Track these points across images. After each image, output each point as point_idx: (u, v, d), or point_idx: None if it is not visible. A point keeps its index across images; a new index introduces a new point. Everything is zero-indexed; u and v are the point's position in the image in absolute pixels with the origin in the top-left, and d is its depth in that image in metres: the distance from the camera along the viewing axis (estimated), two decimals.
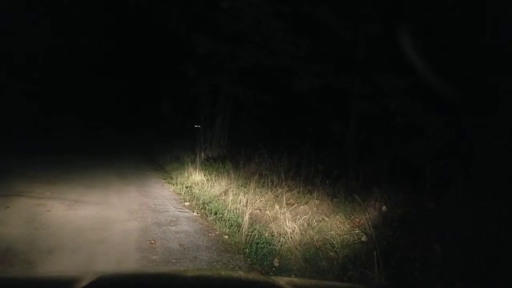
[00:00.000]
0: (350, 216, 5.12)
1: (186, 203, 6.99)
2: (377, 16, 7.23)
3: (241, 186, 7.21)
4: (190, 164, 9.94)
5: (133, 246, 4.51)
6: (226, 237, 5.22)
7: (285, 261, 4.32)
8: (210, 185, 7.95)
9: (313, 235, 4.73)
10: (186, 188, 8.32)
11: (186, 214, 6.30)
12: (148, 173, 10.48)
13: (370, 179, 6.07)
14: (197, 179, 8.65)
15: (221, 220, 5.87)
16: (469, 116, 5.16)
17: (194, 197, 7.36)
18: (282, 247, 4.61)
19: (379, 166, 6.71)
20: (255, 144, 8.40)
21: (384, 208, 4.91)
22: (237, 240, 5.03)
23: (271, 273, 4.10)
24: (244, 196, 6.45)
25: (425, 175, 5.13)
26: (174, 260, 4.24)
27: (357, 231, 4.66)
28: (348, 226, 4.90)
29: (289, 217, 5.13)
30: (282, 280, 1.93)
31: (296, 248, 4.47)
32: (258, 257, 4.49)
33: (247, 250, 4.70)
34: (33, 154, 10.67)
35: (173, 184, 8.87)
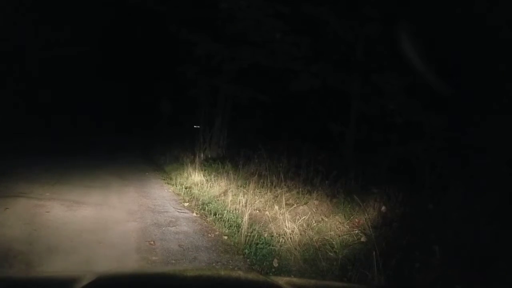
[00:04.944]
0: (350, 217, 5.12)
1: (186, 204, 6.98)
2: (376, 16, 7.23)
3: (240, 186, 7.20)
4: (189, 164, 9.93)
5: (132, 247, 4.50)
6: (226, 237, 5.21)
7: (285, 262, 4.32)
8: (210, 186, 7.94)
9: (313, 236, 4.73)
10: (186, 188, 8.31)
11: (186, 214, 6.29)
12: (147, 173, 10.46)
13: (369, 180, 6.07)
14: (197, 180, 8.64)
15: (221, 220, 5.87)
16: (469, 116, 5.17)
17: (194, 197, 7.35)
18: (282, 248, 4.61)
19: (378, 166, 6.72)
20: (254, 145, 8.41)
21: (383, 208, 4.91)
22: (236, 240, 5.02)
23: (271, 274, 4.09)
24: (244, 196, 6.44)
25: (425, 175, 5.13)
26: (173, 261, 4.23)
27: (356, 231, 4.65)
28: (348, 227, 4.90)
29: (288, 217, 5.12)
30: (281, 280, 1.93)
31: (296, 249, 4.47)
32: (258, 258, 4.49)
33: (246, 250, 4.70)
34: (33, 154, 10.66)
35: (173, 185, 8.86)
